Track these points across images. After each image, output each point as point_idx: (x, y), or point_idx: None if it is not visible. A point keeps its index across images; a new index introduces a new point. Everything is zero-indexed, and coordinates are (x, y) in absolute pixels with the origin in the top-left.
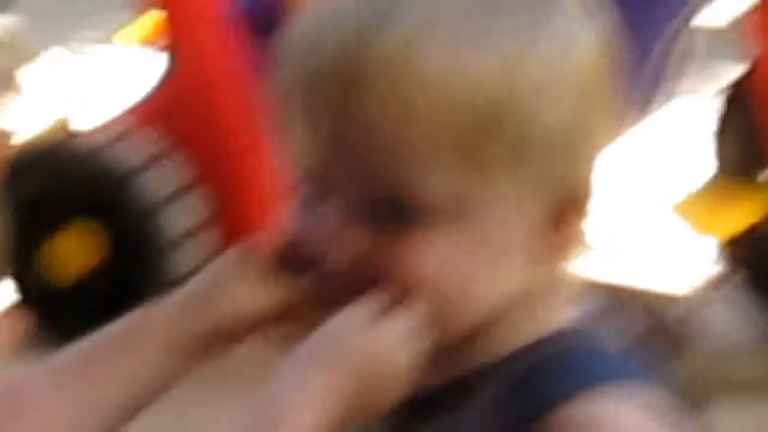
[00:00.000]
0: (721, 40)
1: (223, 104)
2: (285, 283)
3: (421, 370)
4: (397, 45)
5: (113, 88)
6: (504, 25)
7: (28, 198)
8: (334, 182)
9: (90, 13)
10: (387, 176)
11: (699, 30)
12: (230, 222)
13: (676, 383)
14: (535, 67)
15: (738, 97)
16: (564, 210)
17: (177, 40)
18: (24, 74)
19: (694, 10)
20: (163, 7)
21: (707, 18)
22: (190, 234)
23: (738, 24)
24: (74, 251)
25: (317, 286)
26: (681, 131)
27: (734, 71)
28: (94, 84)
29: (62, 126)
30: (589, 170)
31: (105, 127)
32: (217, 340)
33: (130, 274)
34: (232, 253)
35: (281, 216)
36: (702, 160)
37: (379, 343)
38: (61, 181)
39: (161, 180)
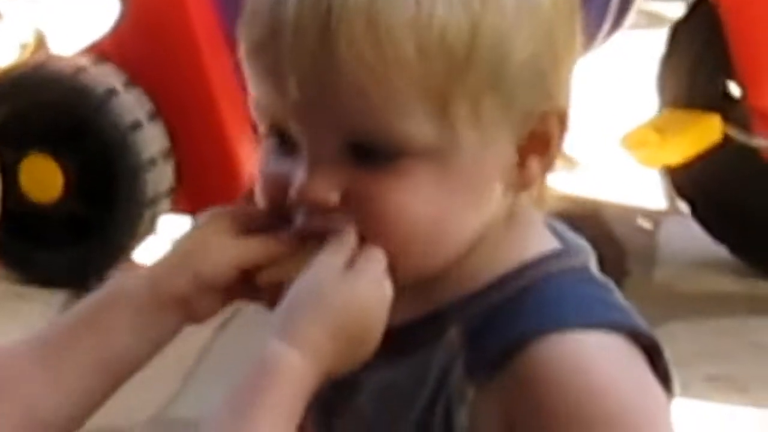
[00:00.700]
0: None
1: (180, 37)
2: (261, 235)
3: (393, 307)
4: None
5: (89, 12)
6: None
7: (3, 119)
8: (305, 130)
9: None
10: (360, 120)
11: None
12: (190, 153)
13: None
14: (501, 5)
15: (684, 29)
16: (536, 142)
17: None
18: None
19: None
20: None
21: None
22: (154, 160)
23: None
24: (50, 172)
25: (295, 231)
26: (626, 64)
27: (679, 4)
28: (69, 7)
29: (37, 49)
30: (559, 101)
31: (79, 53)
32: (199, 297)
33: (102, 194)
34: (203, 215)
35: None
36: (646, 93)
37: (355, 293)
38: (37, 104)
39: (129, 108)
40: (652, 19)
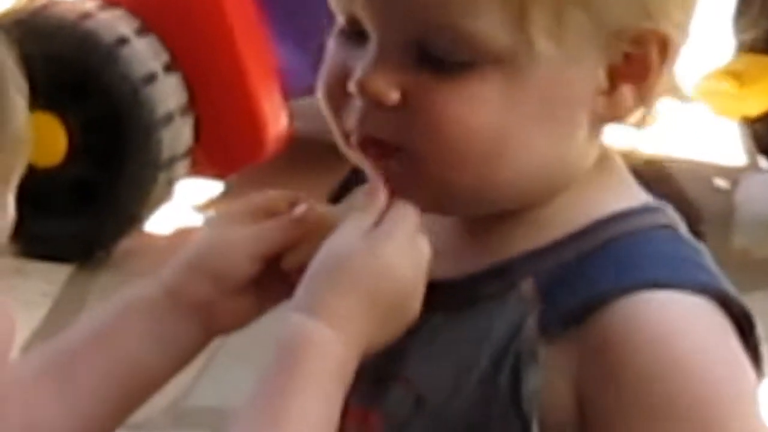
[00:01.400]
0: None
1: None
2: (276, 217)
3: (452, 258)
4: None
5: None
6: None
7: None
8: (376, 22)
9: None
10: (432, 14)
11: None
12: (210, 109)
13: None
14: None
15: None
16: (631, 67)
17: None
18: None
19: None
20: None
21: None
22: (170, 116)
23: None
24: (51, 132)
25: (353, 129)
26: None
27: None
28: None
29: None
30: (660, 24)
31: (82, 0)
32: (223, 302)
33: (111, 156)
34: (210, 219)
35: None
36: (722, 40)
37: (382, 255)
38: (35, 55)
39: (141, 58)
40: None
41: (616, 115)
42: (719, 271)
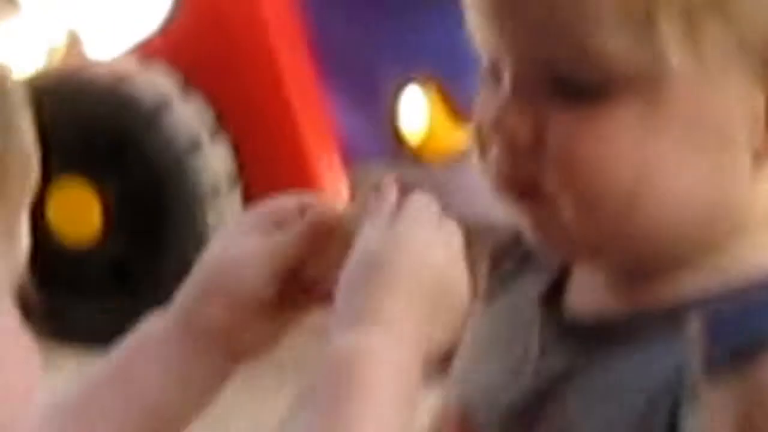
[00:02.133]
0: None
1: (249, 32)
2: (291, 225)
3: (614, 289)
4: None
5: (131, 9)
6: None
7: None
8: (508, 55)
9: None
10: (560, 36)
11: None
12: (261, 178)
13: None
14: None
15: None
16: None
17: None
18: None
19: None
20: None
21: None
22: (217, 188)
23: None
24: (85, 203)
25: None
26: None
27: None
28: (107, 3)
29: (71, 52)
30: None
31: (123, 56)
32: (241, 325)
33: (151, 232)
34: (232, 224)
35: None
36: None
37: (411, 246)
38: (70, 118)
39: (185, 122)
40: None
41: None
42: None
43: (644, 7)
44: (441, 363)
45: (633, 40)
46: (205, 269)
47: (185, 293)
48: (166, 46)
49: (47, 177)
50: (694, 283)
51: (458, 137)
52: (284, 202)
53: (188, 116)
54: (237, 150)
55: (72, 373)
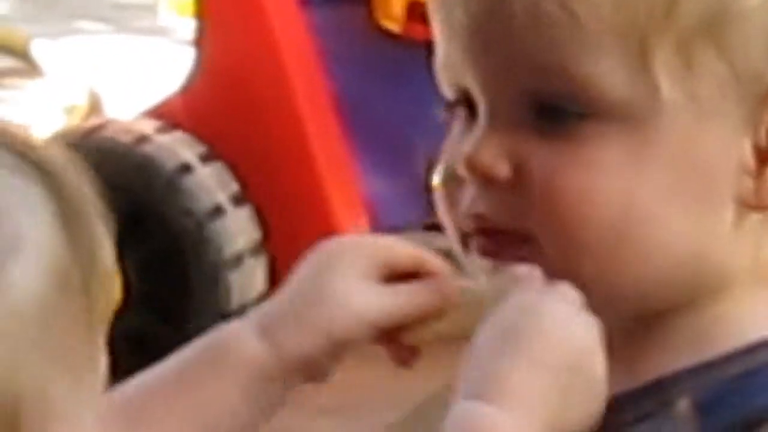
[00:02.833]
0: None
1: (274, 96)
2: (411, 284)
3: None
4: None
5: (151, 69)
6: None
7: None
8: (481, 78)
9: None
10: (548, 63)
11: None
12: (287, 248)
13: None
14: None
15: None
16: None
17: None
18: (41, 50)
19: None
20: None
21: None
22: (240, 258)
23: None
24: None
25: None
26: None
27: None
28: (127, 63)
29: (89, 113)
30: None
31: (142, 117)
32: (328, 359)
33: (172, 303)
34: (326, 249)
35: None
36: None
37: (559, 328)
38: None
39: (207, 189)
40: None
41: (762, 205)
42: None
43: (639, 35)
44: None
45: (624, 67)
46: (306, 300)
47: (281, 320)
48: (186, 108)
49: None
50: (677, 351)
51: None
52: (398, 253)
53: (209, 182)
54: (261, 217)
55: None
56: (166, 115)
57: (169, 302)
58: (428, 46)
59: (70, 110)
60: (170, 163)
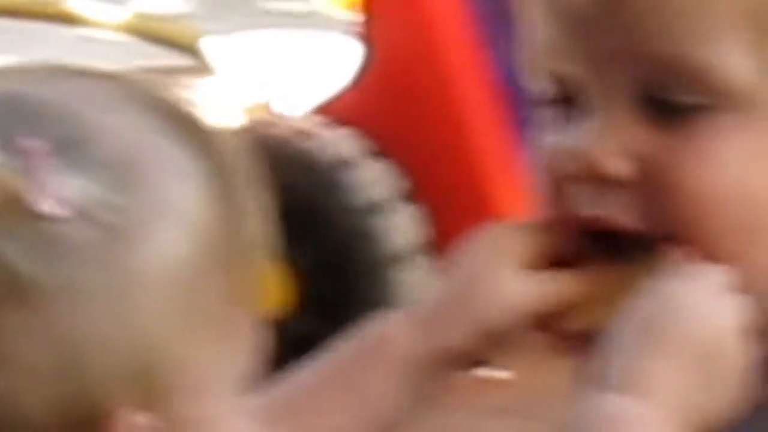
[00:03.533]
0: None
1: (445, 94)
2: (567, 271)
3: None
4: None
5: (318, 67)
6: None
7: None
8: (593, 75)
9: None
10: (661, 45)
11: None
12: (452, 243)
13: None
14: None
15: None
16: None
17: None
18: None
19: None
20: None
21: None
22: (402, 255)
23: None
24: (267, 275)
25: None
26: None
27: None
28: (296, 61)
29: (261, 112)
30: None
31: (307, 115)
32: (481, 350)
33: (333, 302)
34: (485, 234)
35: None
36: None
37: (717, 319)
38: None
39: (371, 187)
40: None
41: None
42: None
43: (763, 19)
44: None
45: (748, 53)
46: (459, 292)
47: (435, 312)
48: (353, 107)
49: None
50: None
51: None
52: (555, 240)
53: (371, 178)
54: (428, 217)
55: None
56: (336, 112)
57: (332, 302)
58: None
59: (241, 109)
60: (330, 157)
